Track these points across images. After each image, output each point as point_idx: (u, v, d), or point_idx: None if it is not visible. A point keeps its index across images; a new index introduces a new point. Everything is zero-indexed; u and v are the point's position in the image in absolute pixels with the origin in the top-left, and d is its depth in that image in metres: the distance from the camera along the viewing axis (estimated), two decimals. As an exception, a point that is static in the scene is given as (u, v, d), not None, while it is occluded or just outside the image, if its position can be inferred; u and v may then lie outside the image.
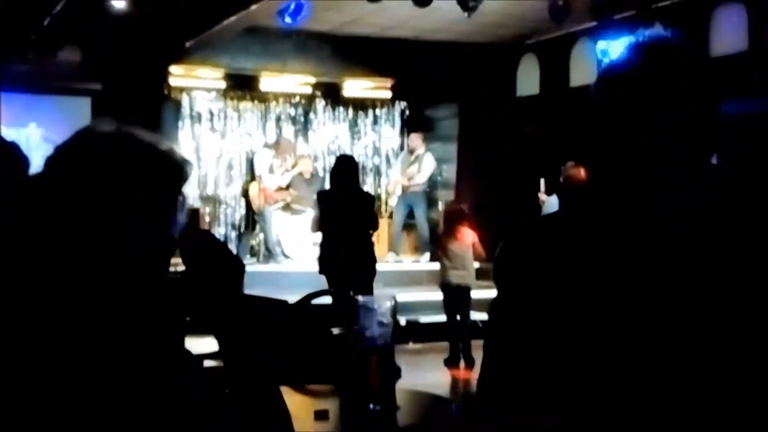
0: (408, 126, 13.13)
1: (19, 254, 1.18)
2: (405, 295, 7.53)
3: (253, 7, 8.72)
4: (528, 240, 1.44)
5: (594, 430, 1.29)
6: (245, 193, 11.67)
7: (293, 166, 11.55)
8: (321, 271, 7.34)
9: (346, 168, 7.46)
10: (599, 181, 1.40)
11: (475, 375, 7.67)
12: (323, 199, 7.52)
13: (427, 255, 11.49)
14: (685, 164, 1.34)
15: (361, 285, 6.93)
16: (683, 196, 1.32)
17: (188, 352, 1.26)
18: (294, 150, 12.02)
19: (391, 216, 11.87)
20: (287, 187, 11.34)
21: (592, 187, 1.42)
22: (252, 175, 11.44)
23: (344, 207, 7.26)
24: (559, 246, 1.35)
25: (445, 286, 7.94)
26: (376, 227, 7.66)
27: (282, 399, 1.30)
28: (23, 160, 3.15)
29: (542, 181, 9.89)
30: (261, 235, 11.19)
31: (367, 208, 7.43)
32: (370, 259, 7.37)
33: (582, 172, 8.07)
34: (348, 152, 12.29)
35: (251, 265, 10.74)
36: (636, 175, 1.34)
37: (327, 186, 12.16)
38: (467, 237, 7.90)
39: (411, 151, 11.79)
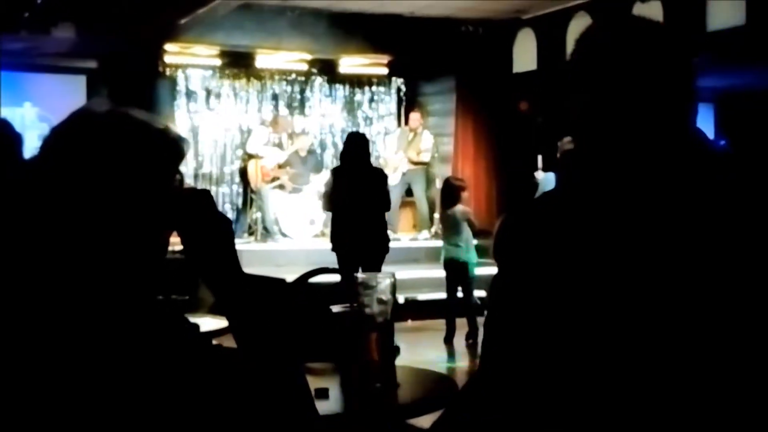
0: (405, 102, 13.08)
1: (15, 235, 1.18)
2: (403, 273, 7.52)
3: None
4: (527, 218, 1.43)
5: (593, 412, 1.29)
6: (242, 171, 11.64)
7: (291, 144, 11.53)
8: (333, 249, 7.36)
9: (357, 145, 7.46)
10: (589, 155, 1.39)
11: (476, 352, 7.68)
12: (336, 176, 7.52)
13: (425, 232, 11.49)
14: (668, 134, 1.33)
15: (371, 263, 6.96)
16: (670, 168, 1.31)
17: (195, 327, 1.25)
18: (291, 127, 11.98)
19: (387, 193, 11.83)
20: (284, 165, 11.31)
21: (584, 162, 1.41)
22: (249, 153, 11.41)
23: (356, 184, 7.26)
24: (557, 224, 1.34)
25: (448, 263, 7.94)
26: (388, 207, 7.63)
27: (303, 376, 1.29)
28: (16, 138, 3.13)
29: (539, 158, 9.89)
30: (258, 214, 11.17)
31: (379, 186, 7.43)
32: (382, 238, 7.40)
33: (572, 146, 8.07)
34: (344, 128, 12.27)
35: (248, 244, 10.72)
36: (621, 149, 1.33)
37: (324, 163, 12.22)
38: (464, 212, 7.89)
39: (412, 130, 11.76)
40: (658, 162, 1.31)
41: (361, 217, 7.23)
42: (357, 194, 7.25)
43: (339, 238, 7.38)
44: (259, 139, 11.37)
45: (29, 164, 1.23)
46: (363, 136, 7.98)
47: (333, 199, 7.49)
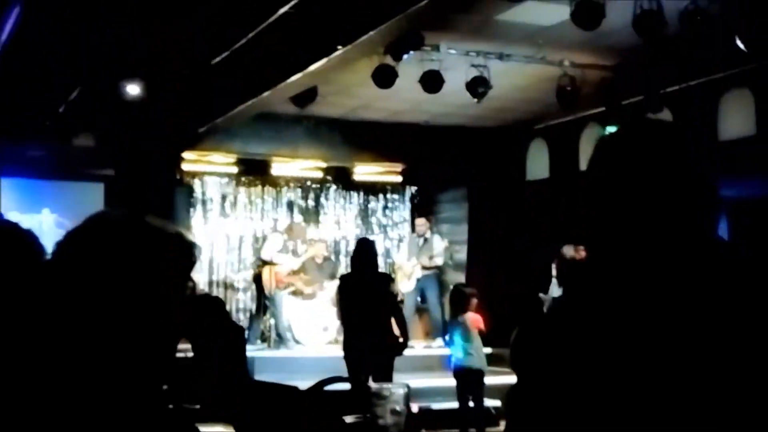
0: (418, 210, 13.16)
1: (30, 337, 1.17)
2: (417, 381, 7.42)
3: (266, 93, 8.85)
4: (545, 327, 1.42)
5: None
6: (257, 277, 11.65)
7: (306, 250, 11.56)
8: (345, 357, 7.27)
9: (364, 251, 7.49)
10: (603, 261, 1.39)
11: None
12: (344, 284, 7.52)
13: (440, 340, 11.37)
14: (684, 239, 1.32)
15: (381, 370, 6.86)
16: (684, 272, 1.30)
17: None
18: (305, 234, 12.04)
19: (401, 301, 11.78)
20: (299, 272, 11.32)
21: (591, 266, 1.41)
22: (263, 260, 11.45)
23: (365, 290, 7.24)
24: (574, 332, 1.33)
25: (458, 371, 7.83)
26: (396, 313, 7.47)
27: None
28: (39, 248, 3.15)
29: (554, 266, 9.85)
30: (272, 320, 11.11)
31: (385, 290, 7.40)
32: (388, 341, 7.29)
33: (573, 253, 8.04)
34: (358, 236, 12.30)
35: (261, 351, 10.64)
36: (632, 250, 1.33)
37: (339, 270, 12.22)
38: (475, 320, 7.83)
39: (421, 236, 11.78)
40: (677, 268, 1.30)
41: (368, 324, 7.17)
42: (364, 301, 7.21)
43: (348, 346, 7.29)
44: (274, 246, 11.42)
45: (45, 267, 1.23)
46: (370, 241, 8.01)
47: (342, 306, 7.45)
